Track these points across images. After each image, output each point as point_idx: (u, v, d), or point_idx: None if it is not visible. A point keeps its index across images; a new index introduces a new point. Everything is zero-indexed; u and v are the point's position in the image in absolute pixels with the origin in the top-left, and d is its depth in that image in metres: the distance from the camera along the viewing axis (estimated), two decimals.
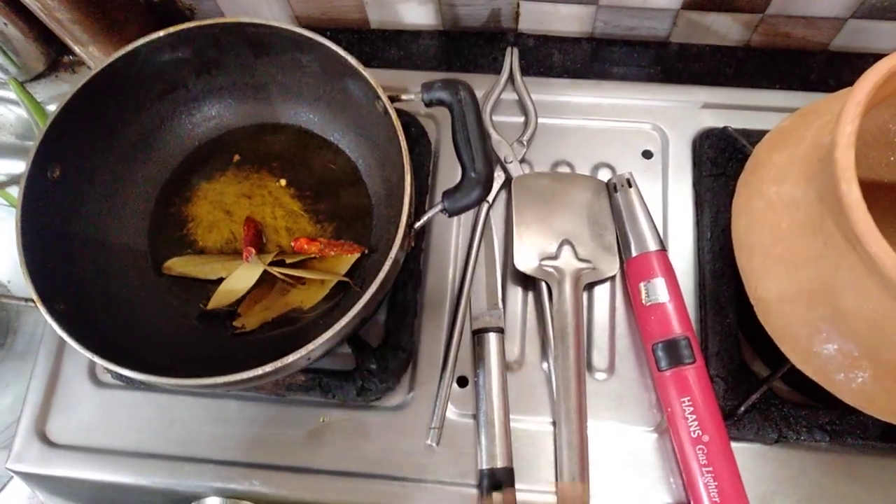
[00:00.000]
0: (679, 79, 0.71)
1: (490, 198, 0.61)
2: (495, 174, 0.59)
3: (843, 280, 0.43)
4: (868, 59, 0.71)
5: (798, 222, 0.47)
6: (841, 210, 0.41)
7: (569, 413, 0.52)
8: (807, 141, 0.49)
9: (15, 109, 0.82)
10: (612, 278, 0.58)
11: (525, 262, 0.57)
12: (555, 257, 0.57)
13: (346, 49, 0.51)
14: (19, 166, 0.89)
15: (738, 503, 0.49)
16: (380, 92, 0.50)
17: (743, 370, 0.55)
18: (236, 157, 0.60)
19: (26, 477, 0.57)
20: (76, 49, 0.71)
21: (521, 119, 0.65)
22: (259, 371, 0.44)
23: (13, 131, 0.86)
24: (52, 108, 0.78)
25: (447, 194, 0.47)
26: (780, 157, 0.50)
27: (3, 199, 0.81)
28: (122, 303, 0.53)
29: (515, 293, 0.59)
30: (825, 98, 0.52)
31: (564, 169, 0.63)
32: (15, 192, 0.81)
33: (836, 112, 0.48)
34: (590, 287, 0.58)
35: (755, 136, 0.59)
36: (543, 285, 0.57)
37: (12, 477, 0.70)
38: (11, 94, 0.80)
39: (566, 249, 0.57)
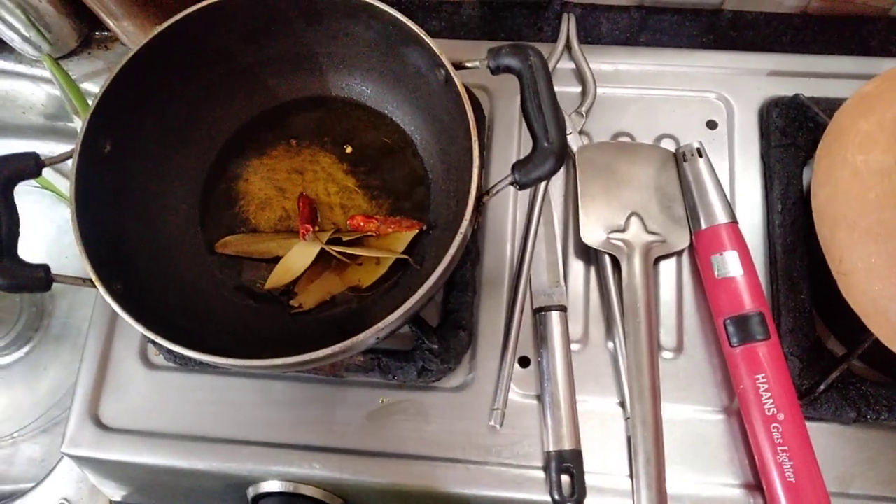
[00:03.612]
0: (733, 48, 0.68)
1: None
2: None
3: None
4: None
5: (889, 192, 0.44)
6: None
7: (642, 391, 0.50)
8: None
9: (45, 87, 0.81)
10: (680, 253, 0.56)
11: (591, 235, 0.55)
12: (623, 230, 0.55)
13: None
14: (48, 148, 0.88)
15: (814, 483, 0.48)
16: (443, 59, 0.47)
17: (818, 348, 0.53)
18: (293, 142, 0.58)
19: (80, 461, 0.56)
20: (110, 24, 0.69)
21: (578, 89, 0.63)
22: (329, 351, 0.42)
23: (43, 111, 0.84)
24: (86, 85, 0.77)
25: (518, 165, 0.45)
26: (867, 123, 0.47)
27: (35, 183, 0.80)
28: (176, 282, 0.52)
29: (577, 270, 0.57)
30: None
31: (626, 140, 0.61)
32: (47, 174, 0.80)
33: None
34: (657, 261, 0.56)
35: (826, 105, 0.57)
36: (607, 260, 0.55)
37: (61, 458, 0.70)
38: (42, 72, 0.78)
39: (635, 222, 0.55)
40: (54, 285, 0.89)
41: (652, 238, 0.55)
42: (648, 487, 0.49)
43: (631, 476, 0.51)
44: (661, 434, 0.50)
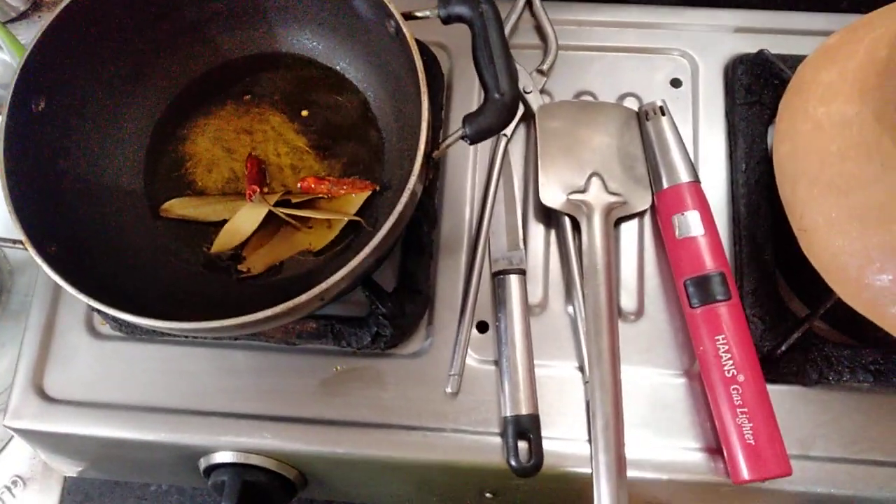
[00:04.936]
0: (703, 5, 0.66)
1: (508, 131, 0.57)
2: None
3: None
4: None
5: (851, 144, 0.43)
6: None
7: (600, 354, 0.49)
8: (859, 55, 0.45)
9: None
10: (642, 215, 0.55)
11: (551, 196, 0.54)
12: (583, 191, 0.53)
13: None
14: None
15: (773, 445, 0.47)
16: (392, 9, 0.45)
17: (781, 310, 0.52)
18: (246, 97, 0.55)
19: (25, 434, 0.54)
20: None
21: (540, 47, 0.61)
22: (269, 312, 0.40)
23: None
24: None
25: (468, 118, 0.43)
26: (829, 74, 0.46)
27: None
28: (118, 247, 0.50)
29: (537, 233, 0.55)
30: (878, 11, 0.48)
31: (588, 99, 0.59)
32: None
33: (891, 23, 0.44)
34: (618, 223, 0.55)
35: (792, 62, 0.55)
36: (568, 223, 0.54)
37: (12, 437, 0.68)
38: None
39: (595, 182, 0.53)
40: (14, 261, 0.86)
41: (613, 199, 0.53)
42: (607, 451, 0.48)
43: (590, 441, 0.50)
44: (620, 398, 0.49)
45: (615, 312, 0.51)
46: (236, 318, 0.40)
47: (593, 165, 0.54)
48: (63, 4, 0.47)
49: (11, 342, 0.79)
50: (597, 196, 0.53)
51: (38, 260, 0.42)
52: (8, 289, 0.82)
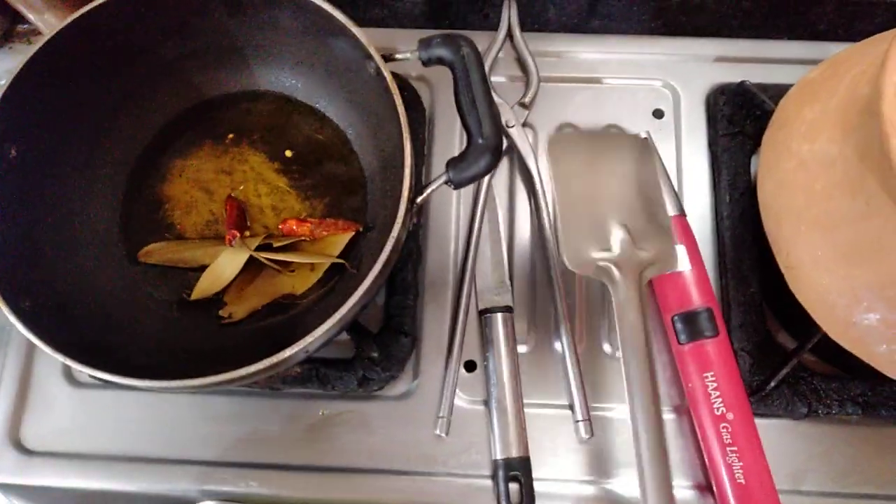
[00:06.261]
0: (683, 33, 0.66)
1: None
2: None
3: (888, 243, 0.40)
4: (880, 6, 0.66)
5: (835, 182, 0.43)
6: (888, 166, 0.37)
7: (648, 432, 0.45)
8: (840, 93, 0.45)
9: None
10: None
11: (577, 259, 0.49)
12: (610, 248, 0.49)
13: None
14: None
15: (764, 483, 0.47)
16: (372, 51, 0.45)
17: (769, 343, 0.51)
18: (231, 136, 0.54)
19: (1, 488, 0.52)
20: (30, 17, 0.64)
21: (522, 79, 0.60)
22: (252, 368, 0.39)
23: None
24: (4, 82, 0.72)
25: (452, 163, 0.42)
26: (811, 111, 0.46)
27: None
28: (95, 297, 0.48)
29: (523, 267, 0.55)
30: (856, 45, 0.48)
31: (596, 130, 0.58)
32: None
33: (873, 59, 0.44)
34: None
35: (774, 91, 0.55)
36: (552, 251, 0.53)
37: None
38: None
39: (621, 235, 0.49)
40: None
41: (643, 255, 0.49)
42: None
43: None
44: (670, 476, 0.45)
45: (657, 389, 0.46)
46: (217, 375, 0.39)
47: (617, 212, 0.50)
48: (35, 48, 0.46)
49: None
50: (626, 253, 0.49)
51: (11, 318, 0.41)
52: None
